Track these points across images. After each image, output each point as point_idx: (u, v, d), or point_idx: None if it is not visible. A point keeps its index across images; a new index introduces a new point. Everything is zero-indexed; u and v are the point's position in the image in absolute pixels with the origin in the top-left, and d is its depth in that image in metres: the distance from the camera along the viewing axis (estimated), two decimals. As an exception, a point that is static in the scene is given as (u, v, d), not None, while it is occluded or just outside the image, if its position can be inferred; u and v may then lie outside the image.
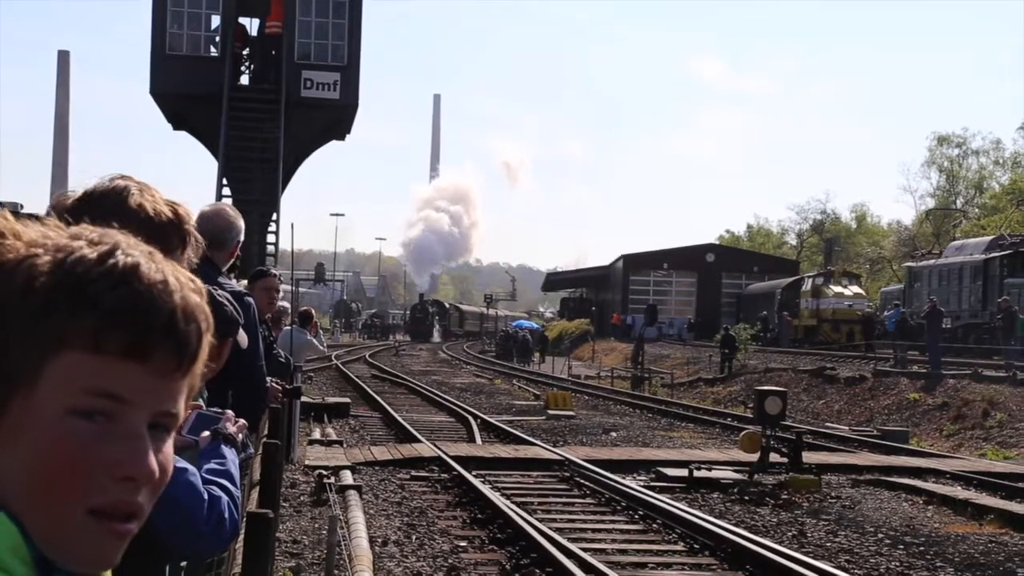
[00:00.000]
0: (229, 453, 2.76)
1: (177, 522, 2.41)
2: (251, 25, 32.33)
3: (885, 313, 42.81)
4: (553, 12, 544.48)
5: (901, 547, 11.15)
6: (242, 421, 2.86)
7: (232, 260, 4.79)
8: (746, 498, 13.66)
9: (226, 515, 2.53)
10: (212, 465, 2.65)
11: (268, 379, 6.31)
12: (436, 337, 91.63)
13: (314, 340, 14.31)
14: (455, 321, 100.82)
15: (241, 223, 4.77)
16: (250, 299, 4.65)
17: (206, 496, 2.49)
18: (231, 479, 2.63)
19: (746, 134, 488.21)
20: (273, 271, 7.22)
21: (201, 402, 2.82)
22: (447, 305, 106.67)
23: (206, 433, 2.69)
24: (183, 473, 2.42)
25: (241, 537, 4.48)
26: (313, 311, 14.46)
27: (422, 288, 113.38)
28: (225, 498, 2.52)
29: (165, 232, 2.07)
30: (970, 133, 76.87)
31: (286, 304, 13.24)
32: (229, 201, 29.94)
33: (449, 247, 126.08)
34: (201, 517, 2.46)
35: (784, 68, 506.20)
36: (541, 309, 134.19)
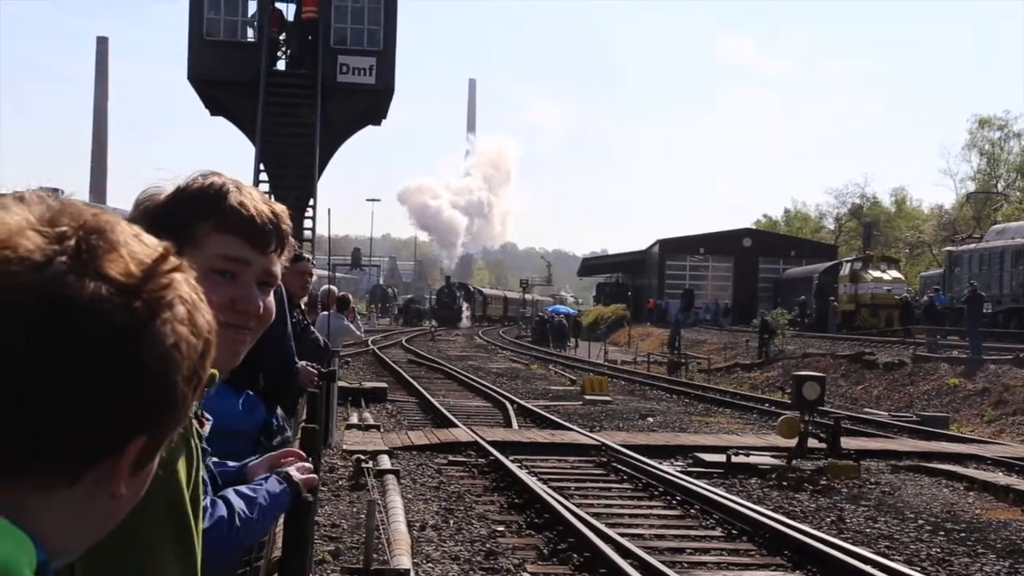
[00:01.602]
0: (273, 487, 2.54)
1: None
2: (287, 10, 32.38)
3: (926, 297, 42.44)
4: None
5: (942, 533, 11.05)
6: (313, 476, 2.68)
7: None
8: (784, 484, 13.57)
9: (222, 531, 2.32)
10: (245, 489, 2.47)
11: (304, 363, 6.33)
12: (465, 322, 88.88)
13: (351, 325, 14.33)
14: (479, 306, 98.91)
15: None
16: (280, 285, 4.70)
17: (206, 503, 2.26)
18: (253, 507, 2.41)
19: (781, 118, 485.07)
20: (306, 255, 7.21)
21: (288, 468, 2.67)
22: (472, 289, 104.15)
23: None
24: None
25: (281, 520, 4.49)
26: (351, 297, 14.46)
27: (448, 269, 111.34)
28: (224, 514, 2.33)
29: (265, 234, 1.95)
30: (1012, 116, 75.96)
31: (335, 288, 13.22)
32: (266, 187, 30.12)
33: (477, 214, 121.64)
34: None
35: (820, 50, 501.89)
36: (564, 293, 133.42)
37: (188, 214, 1.87)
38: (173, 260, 0.97)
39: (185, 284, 0.98)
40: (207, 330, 0.99)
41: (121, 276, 0.92)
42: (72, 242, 0.91)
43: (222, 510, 2.34)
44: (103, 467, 0.94)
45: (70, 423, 0.89)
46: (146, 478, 1.01)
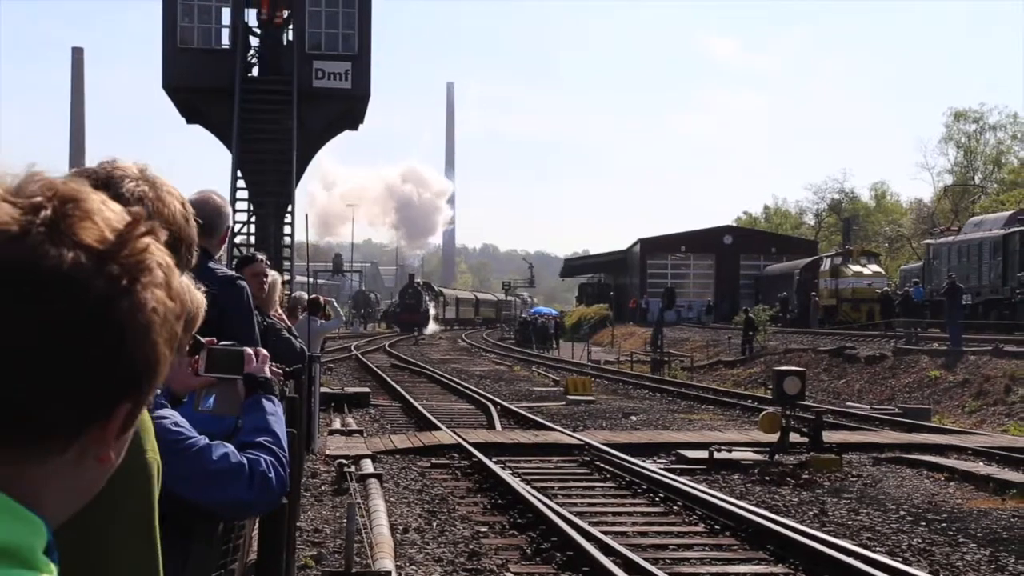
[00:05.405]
0: (268, 405, 2.76)
1: (221, 496, 2.47)
2: (249, 16, 32.01)
3: (902, 291, 42.63)
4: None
5: (923, 524, 11.10)
6: (264, 352, 2.87)
7: (223, 246, 4.90)
8: (767, 478, 13.62)
9: (270, 474, 2.56)
10: (252, 423, 2.68)
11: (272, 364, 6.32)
12: (431, 326, 79.23)
13: (327, 323, 14.25)
14: (439, 308, 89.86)
15: (229, 209, 4.85)
16: (243, 283, 4.78)
17: (244, 462, 2.52)
18: (271, 434, 2.65)
19: (759, 114, 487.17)
20: (260, 256, 7.25)
21: (213, 338, 2.79)
22: (436, 289, 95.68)
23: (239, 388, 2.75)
24: (218, 448, 2.48)
25: (257, 525, 4.50)
26: (322, 298, 14.42)
27: (412, 265, 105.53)
28: (266, 458, 2.55)
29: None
30: (987, 108, 76.47)
31: (302, 293, 13.21)
32: (244, 194, 30.05)
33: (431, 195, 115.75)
34: (243, 486, 2.50)
35: (796, 46, 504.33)
36: (523, 293, 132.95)
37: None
38: (145, 224, 0.97)
39: (158, 248, 0.98)
40: (182, 291, 1.00)
41: (99, 243, 0.92)
42: (48, 212, 0.90)
43: (260, 456, 2.58)
44: (92, 433, 0.95)
45: (60, 392, 0.90)
46: (126, 443, 1.01)
